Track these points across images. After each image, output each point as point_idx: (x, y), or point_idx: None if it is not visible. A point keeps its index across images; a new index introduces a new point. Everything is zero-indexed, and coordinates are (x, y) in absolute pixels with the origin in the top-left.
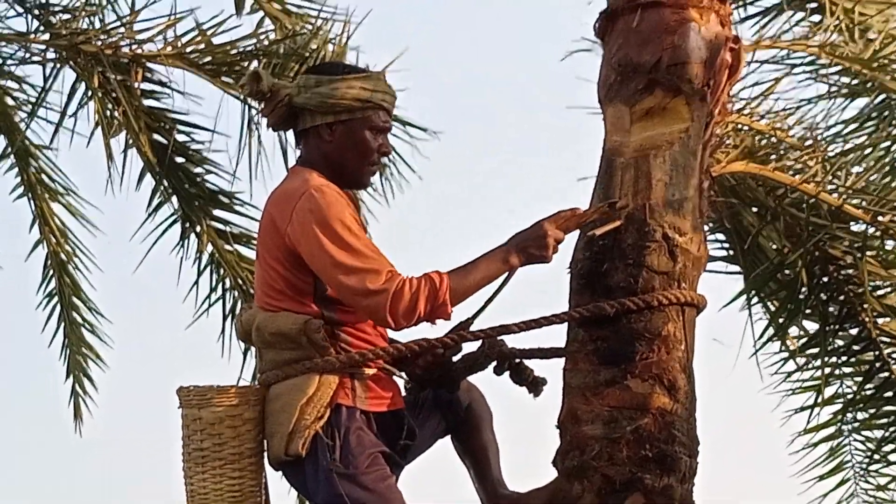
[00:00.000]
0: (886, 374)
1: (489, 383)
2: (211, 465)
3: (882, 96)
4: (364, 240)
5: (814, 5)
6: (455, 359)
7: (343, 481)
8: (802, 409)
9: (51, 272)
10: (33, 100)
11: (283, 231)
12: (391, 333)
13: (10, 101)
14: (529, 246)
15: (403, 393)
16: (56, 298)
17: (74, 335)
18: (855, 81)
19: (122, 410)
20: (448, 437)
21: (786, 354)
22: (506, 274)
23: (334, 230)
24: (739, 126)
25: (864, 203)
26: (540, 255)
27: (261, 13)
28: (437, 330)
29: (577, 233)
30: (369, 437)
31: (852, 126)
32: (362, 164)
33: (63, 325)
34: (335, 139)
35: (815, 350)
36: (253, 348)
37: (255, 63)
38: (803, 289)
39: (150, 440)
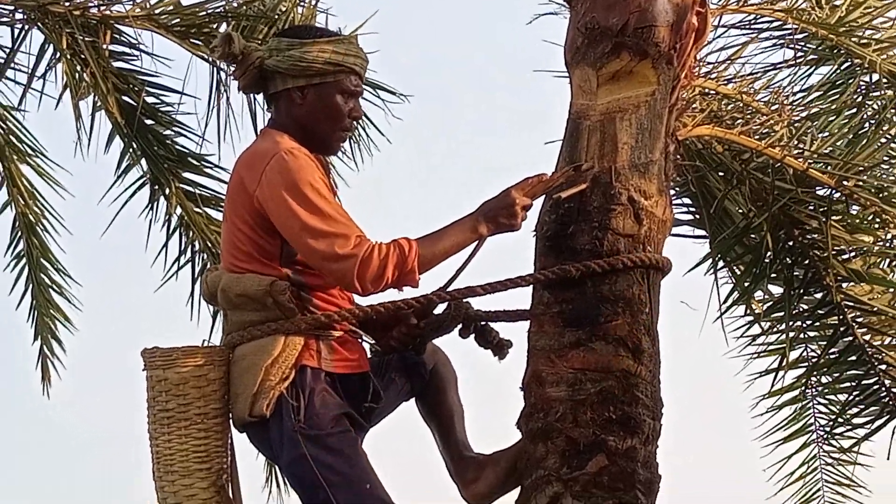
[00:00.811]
0: (850, 338)
1: (454, 345)
2: (176, 425)
3: (847, 62)
4: (334, 204)
5: None
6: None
7: (307, 442)
8: (767, 372)
9: (19, 234)
10: (1, 61)
11: (251, 193)
12: (357, 298)
13: None
14: (499, 215)
15: (369, 356)
16: (24, 260)
17: (42, 297)
18: (821, 47)
19: (91, 373)
20: (412, 400)
21: (751, 318)
22: (475, 242)
23: (304, 193)
24: (706, 90)
25: (829, 168)
26: (509, 224)
27: None
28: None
29: (543, 196)
30: (334, 398)
31: (818, 91)
32: (333, 128)
33: (31, 287)
34: (306, 103)
35: (780, 314)
36: (220, 311)
37: (224, 25)
38: (768, 253)
39: (117, 402)
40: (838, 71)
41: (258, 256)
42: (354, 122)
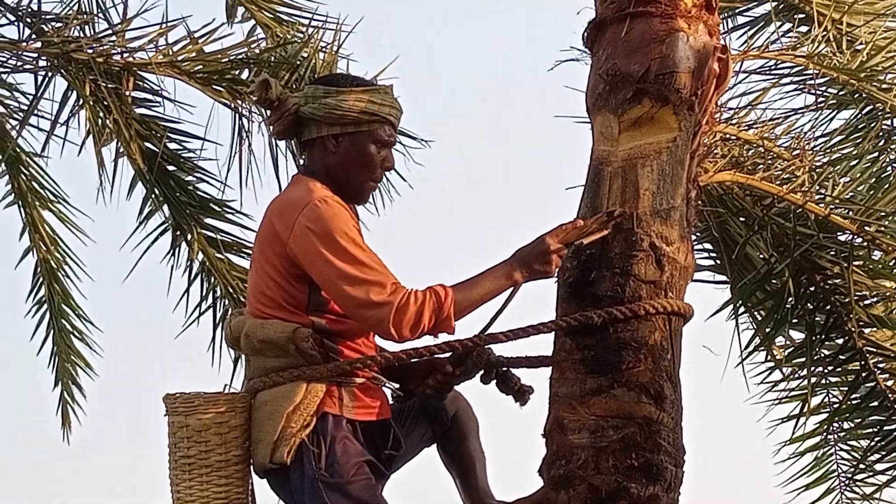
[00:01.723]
0: (872, 383)
1: (476, 391)
2: (197, 472)
3: (869, 106)
4: (368, 251)
5: (802, 16)
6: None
7: (329, 490)
8: (789, 418)
9: (40, 280)
10: (25, 107)
11: (284, 240)
12: (380, 342)
13: (1, 109)
14: (533, 262)
15: (391, 402)
16: (45, 306)
17: (63, 343)
18: (842, 92)
19: (111, 419)
20: (434, 446)
21: (772, 364)
22: (510, 290)
23: (338, 242)
24: (727, 136)
25: (850, 213)
26: (544, 271)
27: (252, 21)
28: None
29: None
30: (355, 446)
31: (839, 136)
32: (365, 177)
33: (52, 332)
34: (340, 151)
35: (802, 360)
36: (242, 356)
37: (245, 72)
38: (790, 298)
39: (138, 449)
40: (860, 116)
41: (285, 304)
42: (385, 172)
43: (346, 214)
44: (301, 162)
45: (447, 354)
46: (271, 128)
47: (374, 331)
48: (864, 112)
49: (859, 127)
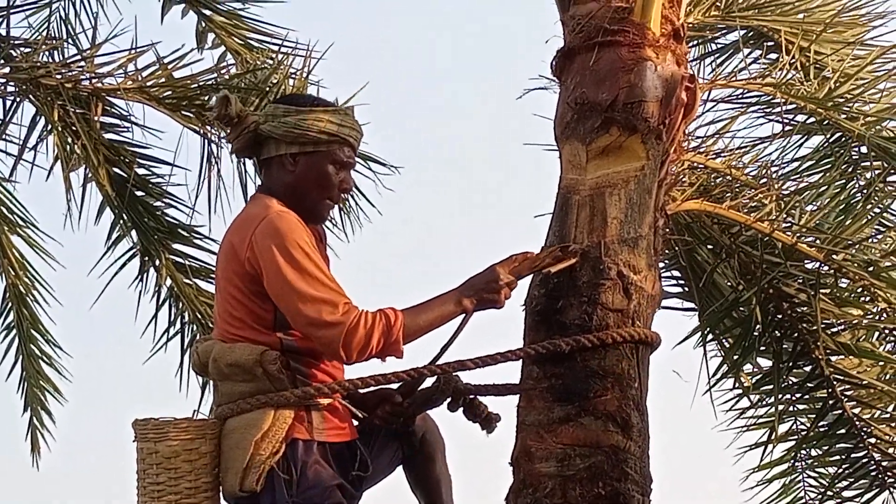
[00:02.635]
0: (839, 411)
1: (443, 418)
2: (166, 499)
3: (837, 134)
4: (323, 269)
5: (770, 44)
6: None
7: None
8: (756, 445)
9: (9, 304)
10: None
11: (242, 257)
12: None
13: None
14: (482, 290)
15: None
16: (14, 331)
17: (32, 368)
18: (810, 120)
19: (81, 445)
20: (401, 467)
21: (740, 391)
22: (462, 316)
23: (293, 256)
24: (695, 164)
25: (817, 242)
26: (492, 300)
27: (222, 48)
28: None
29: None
30: (327, 470)
31: (807, 164)
32: (322, 197)
33: (21, 357)
34: (298, 170)
35: (769, 387)
36: (209, 382)
37: (214, 98)
38: (757, 326)
39: (107, 474)
40: (827, 144)
41: (251, 323)
42: (343, 194)
43: (301, 229)
44: (259, 181)
45: (397, 385)
46: (230, 145)
47: (323, 350)
48: (831, 140)
49: (827, 155)
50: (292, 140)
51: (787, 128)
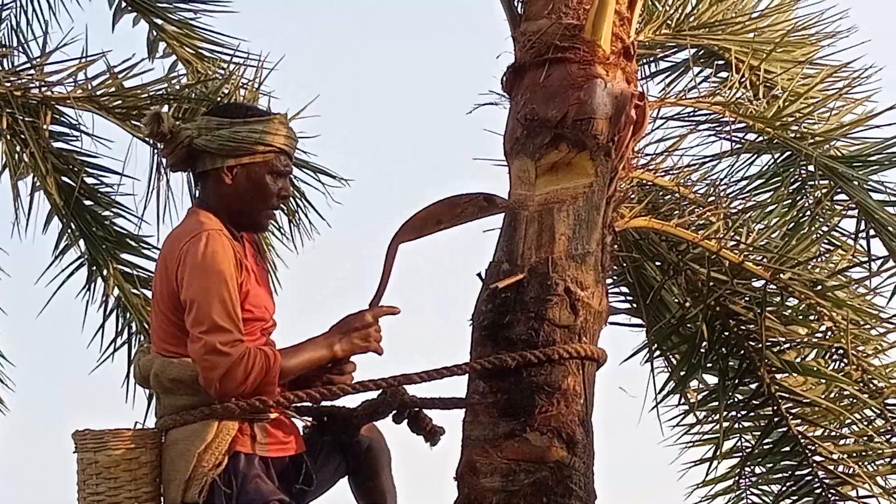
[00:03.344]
0: (784, 429)
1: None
2: None
3: (785, 154)
4: (233, 300)
5: (720, 62)
6: (356, 405)
7: None
8: (701, 461)
9: None
10: None
11: (172, 273)
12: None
13: None
14: (353, 335)
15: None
16: None
17: None
18: (759, 138)
19: (23, 455)
20: (346, 478)
21: (686, 408)
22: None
23: (209, 278)
24: (643, 182)
25: (764, 260)
26: (363, 346)
27: (174, 57)
28: None
29: (479, 285)
30: (268, 485)
31: (756, 183)
32: (261, 207)
33: None
34: (235, 182)
35: (715, 404)
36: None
37: (165, 108)
38: (704, 343)
39: (49, 485)
40: (775, 163)
41: (186, 339)
42: (282, 202)
43: (227, 253)
44: (196, 194)
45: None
46: (164, 160)
47: (201, 375)
48: (779, 159)
49: (775, 174)
50: (228, 153)
51: (736, 146)
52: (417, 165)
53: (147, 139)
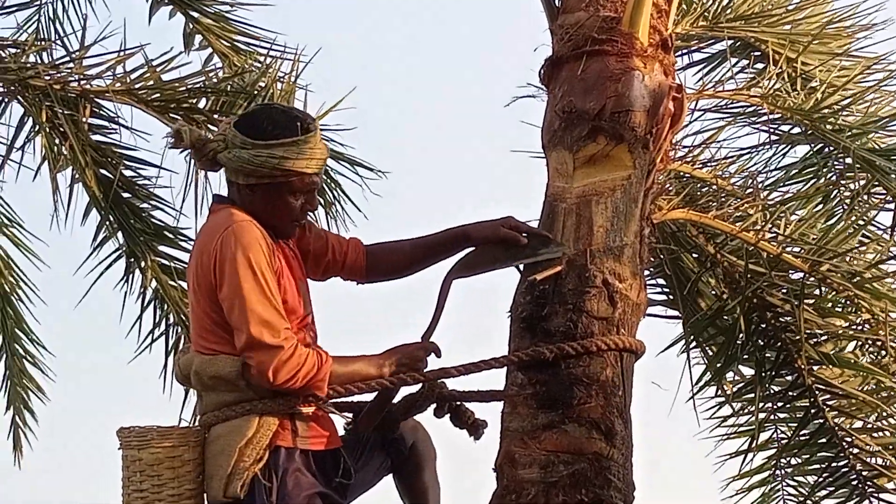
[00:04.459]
0: (821, 420)
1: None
2: None
3: (822, 146)
4: (273, 291)
5: (757, 54)
6: (395, 400)
7: None
8: (737, 453)
9: None
10: None
11: (208, 269)
12: None
13: None
14: (404, 362)
15: (342, 432)
16: None
17: (16, 367)
18: (795, 130)
19: (63, 443)
20: (391, 476)
21: (721, 400)
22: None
23: (248, 271)
24: (681, 174)
25: (802, 252)
26: (409, 376)
27: (209, 50)
28: None
29: (517, 277)
30: (307, 478)
31: (793, 172)
32: (282, 222)
33: (5, 356)
34: (255, 199)
35: (751, 396)
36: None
37: (202, 100)
38: (741, 335)
39: (88, 474)
40: (812, 155)
41: (226, 335)
42: (307, 214)
43: (260, 245)
44: (225, 192)
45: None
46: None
47: (253, 370)
48: (816, 152)
49: (811, 166)
50: (248, 173)
51: (773, 138)
52: (455, 158)
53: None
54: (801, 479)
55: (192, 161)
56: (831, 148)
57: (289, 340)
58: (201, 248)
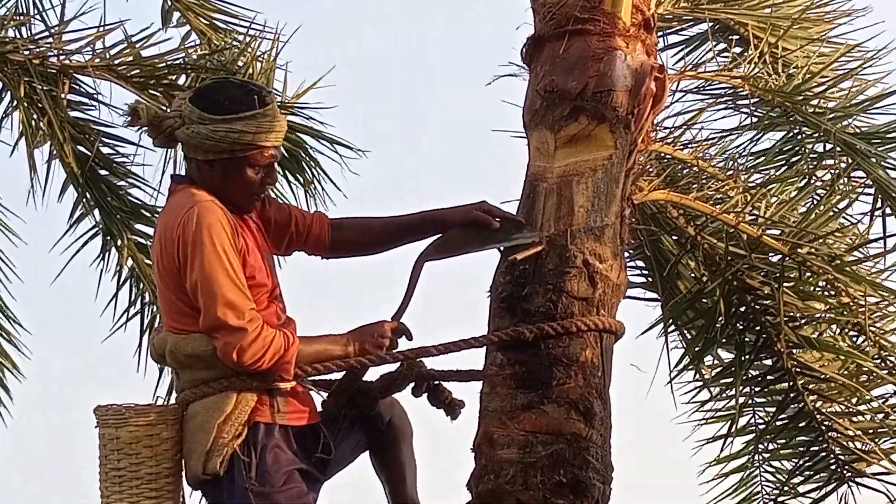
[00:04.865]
0: (800, 404)
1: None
2: (128, 485)
3: (802, 129)
4: (237, 271)
5: (736, 37)
6: (374, 378)
7: (257, 499)
8: (715, 438)
9: None
10: None
11: (172, 253)
12: None
13: None
14: (367, 341)
15: (320, 408)
16: None
17: None
18: (776, 113)
19: (38, 421)
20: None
21: (700, 383)
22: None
23: (212, 252)
24: (662, 154)
25: (783, 234)
26: (375, 354)
27: (187, 27)
28: None
29: (497, 256)
30: (286, 454)
31: (773, 157)
32: (242, 195)
33: None
34: (214, 175)
35: (730, 380)
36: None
37: (182, 77)
38: (720, 318)
39: (63, 455)
40: (792, 138)
41: (198, 316)
42: (267, 188)
43: (222, 224)
44: (183, 170)
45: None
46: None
47: (218, 351)
48: (796, 135)
49: (791, 149)
50: (207, 149)
51: (754, 120)
52: (436, 137)
53: (165, 109)
54: (778, 463)
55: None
56: (811, 131)
57: (253, 322)
58: (163, 232)
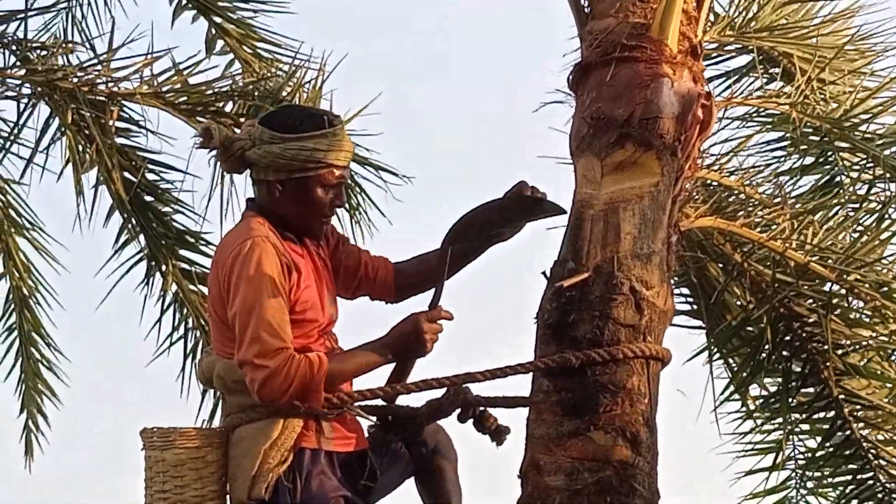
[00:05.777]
0: (847, 432)
1: (453, 430)
2: None
3: (847, 154)
4: (274, 310)
5: (776, 70)
6: (420, 405)
7: None
8: (762, 469)
9: (12, 306)
10: (5, 134)
11: (222, 283)
12: None
13: None
14: (407, 342)
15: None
16: (15, 333)
17: (31, 371)
18: (824, 140)
19: (76, 447)
20: (412, 479)
21: (743, 413)
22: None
23: (252, 288)
24: (709, 181)
25: (830, 261)
26: (418, 352)
27: (231, 55)
28: None
29: (544, 283)
30: (331, 481)
31: (819, 180)
32: (312, 217)
33: (20, 360)
34: (284, 196)
35: (775, 407)
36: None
37: (230, 104)
38: (766, 345)
39: (101, 480)
40: (842, 165)
41: None
42: (336, 210)
43: (271, 261)
44: (252, 196)
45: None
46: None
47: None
48: (844, 162)
49: (840, 176)
50: (278, 168)
51: (802, 147)
52: (482, 164)
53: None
54: (822, 491)
55: (217, 164)
56: (860, 158)
57: (277, 360)
58: (218, 258)
